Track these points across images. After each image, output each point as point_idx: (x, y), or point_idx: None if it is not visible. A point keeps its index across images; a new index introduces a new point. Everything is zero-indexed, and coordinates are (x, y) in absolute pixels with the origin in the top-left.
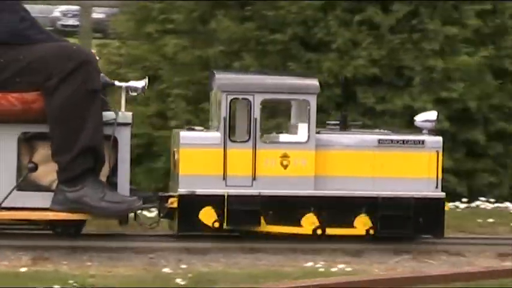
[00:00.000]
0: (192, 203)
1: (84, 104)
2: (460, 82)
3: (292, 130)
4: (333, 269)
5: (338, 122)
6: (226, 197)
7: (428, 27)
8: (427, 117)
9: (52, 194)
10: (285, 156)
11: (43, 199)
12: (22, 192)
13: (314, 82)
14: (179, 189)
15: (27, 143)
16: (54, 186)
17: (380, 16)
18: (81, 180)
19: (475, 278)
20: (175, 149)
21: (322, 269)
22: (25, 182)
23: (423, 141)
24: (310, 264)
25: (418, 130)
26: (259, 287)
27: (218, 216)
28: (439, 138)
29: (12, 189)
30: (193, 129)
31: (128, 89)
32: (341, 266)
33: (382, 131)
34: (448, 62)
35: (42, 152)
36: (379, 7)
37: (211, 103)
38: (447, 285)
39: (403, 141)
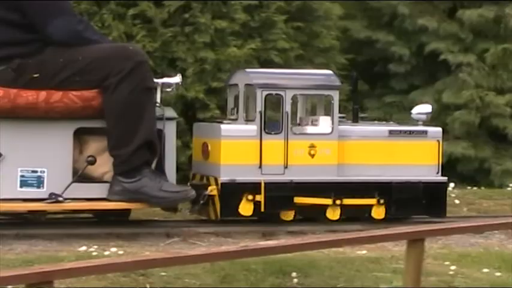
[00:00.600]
0: (233, 190)
1: (142, 101)
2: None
3: (316, 122)
4: (106, 253)
5: (344, 115)
6: (262, 184)
7: (200, 20)
8: (422, 109)
9: (104, 184)
10: (312, 146)
11: (98, 190)
12: (79, 184)
13: (336, 79)
14: (221, 178)
15: (81, 137)
16: (105, 177)
17: (153, 10)
18: (139, 172)
19: (229, 257)
20: (206, 140)
21: (95, 253)
22: (83, 174)
23: (426, 132)
24: (84, 248)
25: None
26: None
27: (255, 203)
28: (439, 129)
29: (73, 181)
30: (222, 122)
31: (163, 85)
32: (114, 249)
33: (390, 122)
34: (218, 54)
35: (96, 145)
36: (152, 1)
37: (236, 97)
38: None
39: (410, 131)
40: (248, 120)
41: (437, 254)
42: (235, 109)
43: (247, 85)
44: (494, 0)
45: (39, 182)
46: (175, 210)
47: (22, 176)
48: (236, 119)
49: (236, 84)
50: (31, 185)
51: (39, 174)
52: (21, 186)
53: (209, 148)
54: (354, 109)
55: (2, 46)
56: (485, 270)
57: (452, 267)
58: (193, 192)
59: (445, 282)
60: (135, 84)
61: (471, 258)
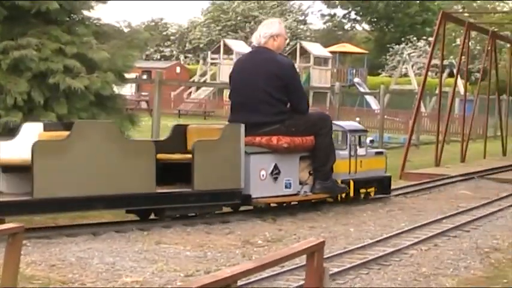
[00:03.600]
0: None
1: (331, 141)
2: None
3: None
4: None
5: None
6: None
7: None
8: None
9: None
10: None
11: (304, 188)
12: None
13: None
14: None
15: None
16: (307, 181)
17: None
18: (330, 178)
19: None
20: None
21: None
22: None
23: (382, 152)
24: None
25: None
26: None
27: None
28: (385, 150)
29: (304, 183)
30: None
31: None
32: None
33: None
34: None
35: (304, 165)
36: None
37: None
38: None
39: (379, 152)
40: None
41: None
42: None
43: None
44: None
45: (290, 185)
46: (336, 198)
47: (286, 182)
48: None
49: None
50: (288, 187)
51: (290, 181)
52: (285, 188)
53: None
54: None
55: (278, 114)
56: None
57: None
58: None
59: None
60: (330, 134)
61: None
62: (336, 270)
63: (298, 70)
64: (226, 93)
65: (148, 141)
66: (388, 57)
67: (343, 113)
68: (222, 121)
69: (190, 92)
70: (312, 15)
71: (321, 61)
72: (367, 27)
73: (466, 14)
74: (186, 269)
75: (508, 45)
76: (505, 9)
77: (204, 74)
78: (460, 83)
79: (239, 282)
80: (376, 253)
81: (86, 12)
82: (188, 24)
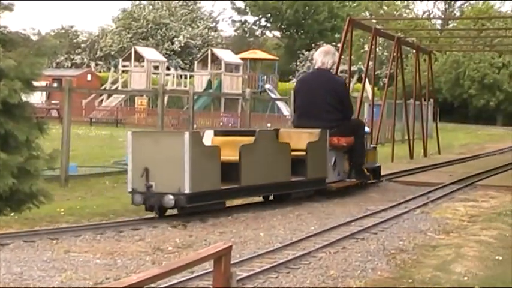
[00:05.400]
0: None
1: (363, 140)
2: None
3: None
4: None
5: None
6: None
7: None
8: None
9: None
10: None
11: (345, 176)
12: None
13: None
14: None
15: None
16: (346, 170)
17: None
18: (362, 167)
19: None
20: None
21: None
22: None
23: (375, 147)
24: None
25: None
26: None
27: None
28: (374, 146)
29: (349, 171)
30: None
31: None
32: None
33: None
34: None
35: (345, 157)
36: None
37: None
38: None
39: (374, 147)
40: None
41: None
42: None
43: None
44: None
45: (339, 174)
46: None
47: (339, 171)
48: None
49: None
50: (339, 175)
51: (340, 171)
52: (337, 175)
53: None
54: None
55: (334, 120)
56: None
57: None
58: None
59: None
60: (363, 134)
61: None
62: (245, 274)
63: (209, 77)
64: (138, 100)
65: (287, 143)
66: (298, 63)
67: (255, 119)
68: (133, 129)
69: (102, 100)
70: (223, 22)
71: (232, 68)
72: (277, 33)
73: (373, 21)
74: (95, 277)
75: (414, 51)
76: (410, 16)
77: (115, 82)
78: (368, 88)
79: None
80: (285, 257)
81: None
82: (99, 31)
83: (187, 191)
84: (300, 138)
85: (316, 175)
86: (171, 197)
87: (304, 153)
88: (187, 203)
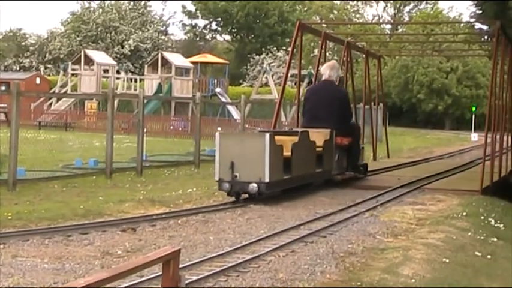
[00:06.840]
0: None
1: (359, 141)
2: None
3: None
4: None
5: None
6: None
7: None
8: None
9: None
10: None
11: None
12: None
13: None
14: None
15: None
16: (344, 165)
17: None
18: (358, 164)
19: None
20: None
21: None
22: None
23: (363, 147)
24: None
25: None
26: None
27: None
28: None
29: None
30: None
31: None
32: None
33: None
34: None
35: (345, 154)
36: None
37: None
38: None
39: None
40: None
41: None
42: None
43: None
44: None
45: (340, 167)
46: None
47: (339, 165)
48: None
49: None
50: (339, 169)
51: (340, 165)
52: (338, 169)
53: None
54: None
55: (337, 123)
56: None
57: None
58: None
59: None
60: (359, 136)
61: None
62: (194, 278)
63: (159, 81)
64: (87, 104)
65: (314, 141)
66: (249, 67)
67: (205, 123)
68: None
69: (51, 103)
70: (174, 26)
71: (182, 71)
72: (228, 37)
73: (323, 25)
74: (43, 281)
75: (364, 55)
76: (360, 21)
77: (64, 85)
78: None
79: None
80: (234, 260)
81: None
82: (48, 34)
83: (267, 180)
84: (319, 137)
85: (328, 167)
86: (254, 185)
87: (322, 149)
88: (267, 189)
